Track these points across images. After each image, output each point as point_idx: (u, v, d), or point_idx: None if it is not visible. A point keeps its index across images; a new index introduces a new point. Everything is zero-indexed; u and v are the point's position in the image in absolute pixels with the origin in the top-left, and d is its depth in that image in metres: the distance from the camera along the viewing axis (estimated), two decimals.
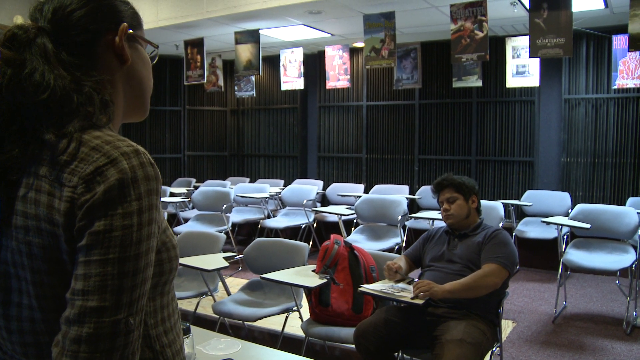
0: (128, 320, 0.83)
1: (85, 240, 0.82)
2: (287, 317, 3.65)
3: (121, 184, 0.83)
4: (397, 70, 6.71)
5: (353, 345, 3.49)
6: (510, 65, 6.17)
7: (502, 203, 5.27)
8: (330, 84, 7.20)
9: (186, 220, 6.70)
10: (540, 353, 3.71)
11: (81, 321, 0.80)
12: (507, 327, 4.20)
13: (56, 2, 0.97)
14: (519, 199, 6.18)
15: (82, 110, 0.89)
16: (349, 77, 7.06)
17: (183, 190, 7.43)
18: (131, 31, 1.01)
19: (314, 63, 7.90)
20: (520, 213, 6.08)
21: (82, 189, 0.82)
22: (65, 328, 0.82)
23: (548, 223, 4.66)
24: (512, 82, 6.21)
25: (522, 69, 6.12)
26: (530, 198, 5.96)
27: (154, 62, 1.09)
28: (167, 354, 0.97)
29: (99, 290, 0.80)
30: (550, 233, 5.36)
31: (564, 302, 4.71)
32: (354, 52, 7.35)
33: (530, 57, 4.80)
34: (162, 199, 6.54)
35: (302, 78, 7.36)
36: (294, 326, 3.59)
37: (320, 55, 7.53)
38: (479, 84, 6.35)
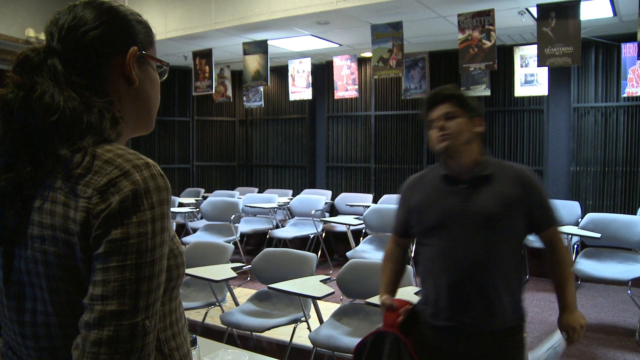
0: (145, 323, 0.87)
1: (103, 248, 0.86)
2: (295, 328, 3.64)
3: (135, 195, 0.88)
4: (405, 80, 6.71)
5: None
6: (519, 74, 6.15)
7: None
8: (339, 94, 7.20)
9: (195, 230, 6.71)
10: None
11: (101, 325, 0.84)
12: None
13: (71, 18, 0.99)
14: None
15: (92, 128, 0.93)
16: (357, 87, 7.06)
17: (192, 200, 7.44)
18: (143, 52, 1.05)
19: (322, 73, 7.91)
20: None
21: (97, 199, 0.87)
22: (85, 332, 0.86)
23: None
24: (520, 91, 6.19)
25: (531, 78, 6.10)
26: None
27: (164, 77, 1.12)
28: (175, 357, 1.01)
29: (118, 295, 0.85)
30: None
31: None
32: (362, 62, 7.36)
33: (538, 66, 4.78)
34: (171, 209, 6.53)
35: (311, 88, 7.37)
36: (302, 336, 3.57)
37: (329, 66, 7.55)
38: (487, 93, 6.34)
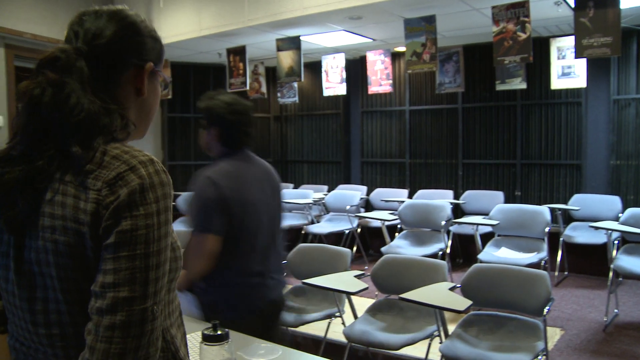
0: (153, 308, 0.95)
1: (113, 238, 0.93)
2: (329, 323, 3.65)
3: (141, 189, 0.95)
4: (439, 74, 6.65)
5: (397, 352, 3.48)
6: (555, 66, 6.03)
7: (549, 207, 5.15)
8: (372, 89, 7.18)
9: None
10: None
11: (114, 310, 0.91)
12: (554, 334, 4.11)
13: (97, 25, 1.08)
14: (566, 203, 6.03)
15: (105, 129, 1.01)
16: (391, 82, 7.03)
17: None
18: (156, 69, 1.16)
19: (356, 68, 7.89)
20: (568, 218, 5.94)
21: (107, 191, 0.94)
22: (97, 318, 0.92)
23: (597, 228, 4.54)
24: (557, 83, 6.07)
25: (568, 70, 5.98)
26: (578, 202, 5.81)
27: (165, 91, 1.18)
28: (176, 344, 1.09)
29: (129, 282, 0.92)
30: (599, 238, 5.21)
31: (616, 310, 4.57)
32: (395, 56, 7.31)
33: (576, 57, 4.68)
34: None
35: (344, 83, 7.36)
36: (337, 332, 3.59)
37: (362, 61, 7.52)
38: (523, 86, 6.24)
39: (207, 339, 1.50)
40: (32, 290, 1.00)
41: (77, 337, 0.98)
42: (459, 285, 3.32)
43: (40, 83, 1.02)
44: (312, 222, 6.84)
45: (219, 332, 1.50)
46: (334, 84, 7.45)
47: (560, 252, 5.58)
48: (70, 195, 0.96)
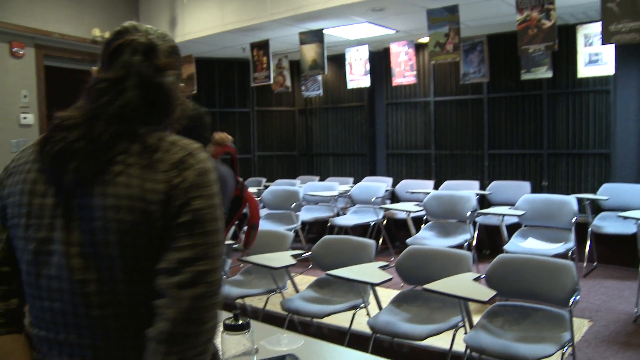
0: (221, 279, 1.04)
1: (188, 216, 1.01)
2: (354, 314, 3.67)
3: (203, 172, 1.05)
4: (463, 64, 6.59)
5: (421, 342, 3.49)
6: (582, 53, 5.93)
7: (577, 197, 5.09)
8: (397, 80, 7.16)
9: None
10: (619, 354, 3.55)
11: (195, 283, 0.98)
12: (582, 326, 4.07)
13: (155, 38, 1.16)
14: (594, 193, 5.95)
15: (160, 123, 1.11)
16: (415, 73, 7.00)
17: (254, 189, 7.57)
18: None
19: (380, 60, 7.87)
20: (597, 208, 5.85)
21: (174, 173, 1.02)
22: (176, 292, 0.98)
23: (626, 218, 4.48)
24: (584, 71, 5.97)
25: (595, 58, 5.88)
26: (607, 192, 5.72)
27: None
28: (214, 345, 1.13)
29: (205, 257, 1.00)
30: (629, 228, 5.12)
31: None
32: (419, 47, 7.27)
33: (602, 44, 4.60)
34: None
35: (368, 75, 7.35)
36: (362, 323, 3.60)
37: (386, 52, 7.49)
38: (549, 75, 6.15)
39: (228, 328, 1.53)
40: (85, 272, 1.02)
41: (134, 317, 1.02)
42: (483, 276, 3.32)
43: (123, 70, 1.09)
44: (338, 215, 6.86)
45: (240, 322, 1.53)
46: (358, 76, 7.44)
47: (588, 243, 5.51)
48: (136, 176, 1.02)
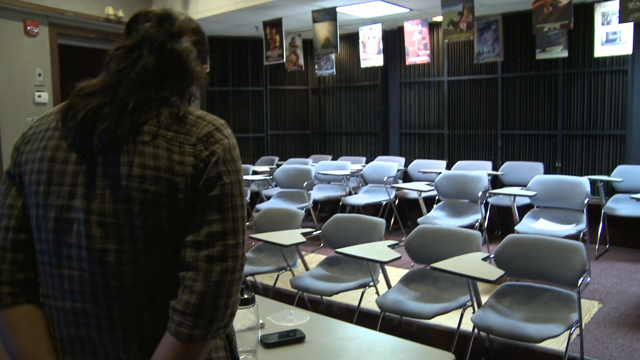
0: (244, 254, 1.06)
1: (218, 190, 1.02)
2: (363, 292, 3.70)
3: (230, 147, 1.07)
4: (477, 43, 6.52)
5: (429, 321, 3.51)
6: (600, 32, 5.83)
7: (590, 179, 5.05)
8: (410, 59, 7.10)
9: (268, 197, 6.87)
10: (628, 336, 3.55)
11: (225, 257, 1.01)
12: (592, 307, 4.07)
13: (182, 19, 1.16)
14: (608, 174, 5.90)
15: (182, 93, 1.12)
16: (428, 52, 6.94)
17: (266, 168, 7.60)
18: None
19: (394, 39, 7.81)
20: (610, 190, 5.81)
21: (202, 147, 1.03)
22: (206, 265, 0.99)
23: (639, 199, 4.45)
24: (601, 51, 5.87)
25: (613, 37, 5.77)
26: (622, 173, 5.67)
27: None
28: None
29: (233, 231, 1.02)
30: None
31: None
32: (433, 26, 7.20)
33: (620, 22, 4.53)
34: (246, 177, 6.74)
35: (382, 54, 7.30)
36: (371, 301, 3.63)
37: (400, 31, 7.43)
38: (565, 54, 6.07)
39: None
40: (104, 241, 1.02)
41: (152, 288, 1.03)
42: (492, 256, 3.32)
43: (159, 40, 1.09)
44: (350, 194, 6.88)
45: (245, 296, 1.55)
46: (371, 55, 7.40)
47: (601, 225, 5.48)
48: (163, 148, 1.01)
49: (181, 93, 1.11)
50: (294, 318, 2.08)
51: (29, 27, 6.32)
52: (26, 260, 1.10)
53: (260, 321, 1.83)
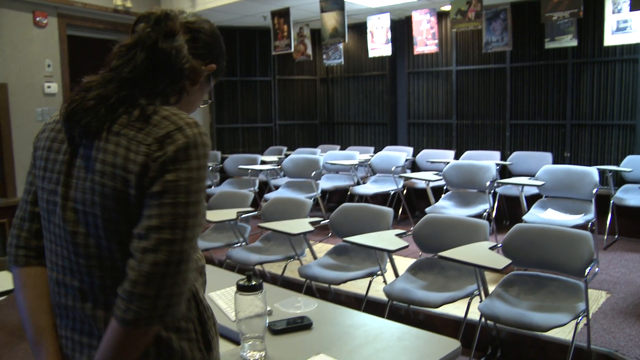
0: (189, 251, 1.09)
1: (159, 187, 1.07)
2: (371, 281, 3.72)
3: (186, 146, 1.09)
4: (486, 32, 6.49)
5: (436, 310, 3.52)
6: (610, 21, 5.78)
7: (598, 169, 5.03)
8: (418, 49, 7.08)
9: (277, 187, 6.89)
10: (636, 326, 3.55)
11: (157, 250, 1.05)
12: (599, 297, 4.07)
13: (195, 19, 1.29)
14: (618, 164, 5.88)
15: (164, 94, 1.18)
16: (437, 41, 6.91)
17: (274, 158, 7.62)
18: (213, 76, 1.33)
19: (402, 29, 7.79)
20: (620, 180, 5.79)
21: (156, 147, 1.08)
22: (141, 256, 1.05)
23: None
24: (611, 39, 5.82)
25: (624, 25, 5.72)
26: (631, 164, 5.64)
27: (207, 103, 1.46)
28: (200, 295, 1.24)
29: (171, 227, 1.06)
30: None
31: None
32: (441, 16, 7.17)
33: (631, 10, 4.49)
34: (254, 167, 6.77)
35: (390, 44, 7.28)
36: (379, 290, 3.65)
37: (408, 21, 7.41)
38: (574, 43, 6.02)
39: (241, 288, 1.57)
40: (75, 225, 1.14)
41: (114, 270, 1.12)
42: (500, 245, 3.33)
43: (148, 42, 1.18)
44: (358, 183, 6.89)
45: (253, 283, 1.57)
46: (379, 44, 7.38)
47: (610, 215, 5.47)
48: (123, 146, 1.10)
49: (168, 89, 1.19)
50: (301, 305, 2.09)
51: (38, 18, 6.34)
52: (40, 230, 1.26)
53: (268, 308, 1.85)
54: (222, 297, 2.26)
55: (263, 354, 1.67)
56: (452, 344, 1.77)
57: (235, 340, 1.91)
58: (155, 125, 1.11)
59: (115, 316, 1.08)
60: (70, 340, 1.21)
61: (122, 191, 1.09)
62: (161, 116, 1.12)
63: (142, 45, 1.16)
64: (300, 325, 1.91)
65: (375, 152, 7.63)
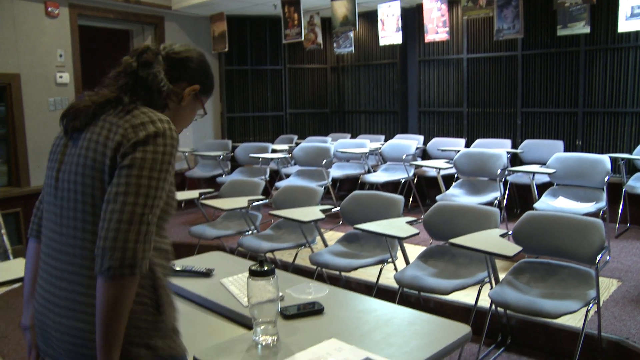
0: (149, 216, 1.31)
1: (128, 161, 1.32)
2: (381, 269, 3.74)
3: (156, 134, 1.36)
4: (497, 20, 6.44)
5: (447, 297, 3.54)
6: (624, 6, 5.68)
7: (610, 157, 5.00)
8: (429, 37, 7.05)
9: (288, 175, 6.91)
10: None
11: (122, 210, 1.28)
12: (610, 285, 4.06)
13: (185, 50, 1.59)
14: (630, 152, 5.84)
15: (151, 103, 1.47)
16: (448, 29, 6.88)
17: (285, 147, 7.64)
18: (200, 94, 1.62)
19: (412, 16, 7.74)
20: (632, 168, 5.76)
21: (131, 131, 1.35)
22: (109, 215, 1.28)
23: None
24: (625, 26, 5.73)
25: (638, 11, 5.63)
26: None
27: (203, 115, 1.70)
28: (158, 272, 1.42)
29: (135, 194, 1.30)
30: None
31: None
32: (452, 3, 7.12)
33: None
34: (265, 155, 6.79)
35: (401, 32, 7.25)
36: (389, 278, 3.67)
37: (418, 9, 7.36)
38: (587, 30, 5.96)
39: (253, 273, 1.60)
40: (61, 192, 1.42)
41: (92, 233, 1.35)
42: (511, 233, 3.33)
43: (139, 62, 1.49)
44: (369, 172, 6.89)
45: (266, 268, 1.59)
46: (390, 33, 7.35)
47: (622, 204, 5.45)
48: (106, 129, 1.39)
49: (150, 102, 1.46)
50: (312, 291, 2.12)
51: (49, 9, 6.38)
52: None
53: (280, 294, 1.88)
54: (235, 283, 2.29)
55: (275, 338, 1.69)
56: (462, 329, 1.79)
57: (247, 325, 1.94)
58: (134, 117, 1.39)
59: (96, 272, 1.29)
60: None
61: (99, 162, 1.35)
62: (140, 111, 1.41)
63: (125, 72, 1.47)
64: (311, 310, 1.94)
65: (385, 140, 7.62)
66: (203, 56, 1.64)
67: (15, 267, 2.79)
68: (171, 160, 1.38)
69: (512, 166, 5.86)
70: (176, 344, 1.45)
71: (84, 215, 1.37)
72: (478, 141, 6.85)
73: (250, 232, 4.54)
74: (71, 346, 1.38)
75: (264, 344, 1.68)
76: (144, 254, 1.29)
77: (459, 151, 5.88)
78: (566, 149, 6.25)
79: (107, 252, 1.26)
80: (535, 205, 4.77)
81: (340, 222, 5.92)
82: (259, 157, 6.80)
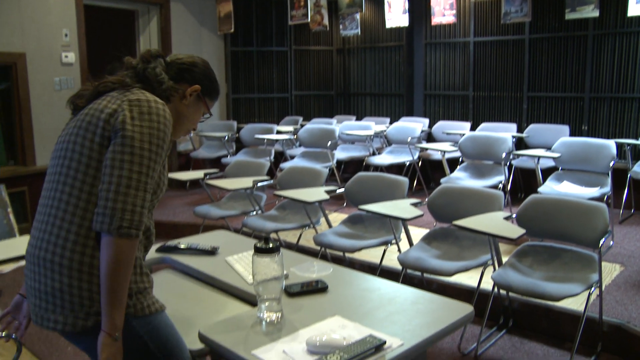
0: (145, 183, 1.43)
1: (121, 131, 1.44)
2: (385, 250, 3.75)
3: (149, 111, 1.49)
4: (505, 3, 6.39)
5: (450, 279, 3.56)
6: None
7: (616, 142, 4.98)
8: (436, 19, 7.01)
9: (292, 157, 6.92)
10: None
11: (120, 176, 1.40)
12: (613, 270, 4.07)
13: (191, 59, 1.75)
14: (637, 138, 5.82)
15: (155, 88, 1.63)
16: (454, 12, 6.83)
17: (290, 128, 7.63)
18: (202, 95, 1.73)
19: None
20: (638, 153, 5.74)
21: (126, 104, 1.50)
22: (107, 178, 1.40)
23: None
24: (635, 9, 5.66)
25: None
26: None
27: (206, 117, 1.81)
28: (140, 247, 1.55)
29: (130, 162, 1.42)
30: None
31: None
32: None
33: None
34: (270, 137, 6.80)
35: (407, 14, 7.21)
36: (393, 259, 3.68)
37: None
38: (595, 14, 5.91)
39: (258, 250, 1.61)
40: (62, 158, 1.52)
41: (88, 200, 1.45)
42: (514, 216, 3.34)
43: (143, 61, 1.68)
44: (374, 154, 6.90)
45: (271, 245, 1.60)
46: (396, 15, 7.31)
47: (626, 189, 5.44)
48: (105, 101, 1.54)
49: (151, 90, 1.59)
50: (317, 269, 2.13)
51: None
52: None
53: (285, 272, 1.89)
54: (240, 261, 2.31)
55: (279, 315, 1.71)
56: (465, 309, 1.80)
57: (252, 302, 1.96)
58: (133, 94, 1.54)
59: (99, 229, 1.39)
60: None
61: (93, 124, 1.49)
62: (140, 91, 1.56)
63: (126, 68, 1.66)
64: (316, 288, 1.95)
65: (391, 123, 7.61)
66: (207, 63, 1.77)
67: (22, 245, 2.81)
68: (165, 138, 1.50)
69: (517, 150, 5.86)
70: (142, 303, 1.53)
71: (69, 170, 1.48)
72: (483, 125, 6.84)
73: (254, 213, 4.55)
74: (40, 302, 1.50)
75: (268, 320, 1.70)
76: (141, 215, 1.41)
77: (464, 134, 5.87)
78: (572, 134, 6.23)
79: (118, 213, 1.37)
80: (540, 189, 4.77)
81: (345, 204, 5.93)
82: (264, 139, 6.80)
